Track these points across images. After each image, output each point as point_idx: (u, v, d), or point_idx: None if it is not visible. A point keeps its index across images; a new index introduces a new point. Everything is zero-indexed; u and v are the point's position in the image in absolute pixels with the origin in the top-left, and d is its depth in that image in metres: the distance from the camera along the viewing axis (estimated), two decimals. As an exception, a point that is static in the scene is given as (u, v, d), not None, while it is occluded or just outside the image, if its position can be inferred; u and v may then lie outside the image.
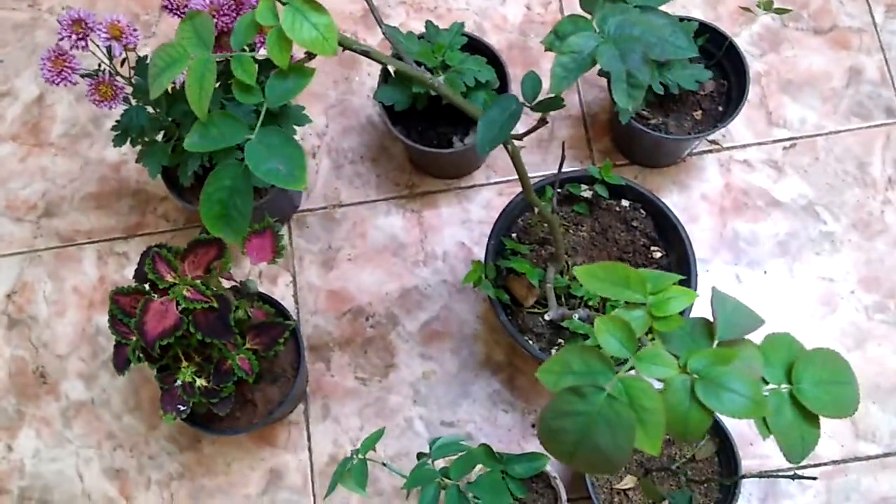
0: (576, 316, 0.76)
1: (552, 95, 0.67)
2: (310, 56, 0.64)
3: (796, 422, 0.46)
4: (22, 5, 1.41)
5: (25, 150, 1.33)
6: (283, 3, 0.58)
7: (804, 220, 1.25)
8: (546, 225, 1.07)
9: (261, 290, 1.25)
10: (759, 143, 1.29)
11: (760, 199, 1.27)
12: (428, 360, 1.21)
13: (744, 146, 1.29)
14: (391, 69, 0.67)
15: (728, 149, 1.29)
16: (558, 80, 0.58)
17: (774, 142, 1.29)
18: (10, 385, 1.22)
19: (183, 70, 0.60)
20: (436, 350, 1.22)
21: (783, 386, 0.48)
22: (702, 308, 1.17)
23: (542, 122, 0.71)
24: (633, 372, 0.43)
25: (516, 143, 0.76)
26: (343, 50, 0.64)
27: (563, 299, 1.03)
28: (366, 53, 0.66)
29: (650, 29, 0.57)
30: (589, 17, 0.65)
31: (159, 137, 1.09)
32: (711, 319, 0.50)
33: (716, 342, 0.47)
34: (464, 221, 1.28)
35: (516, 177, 1.29)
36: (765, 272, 1.23)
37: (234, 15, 0.93)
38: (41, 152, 1.33)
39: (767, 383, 0.48)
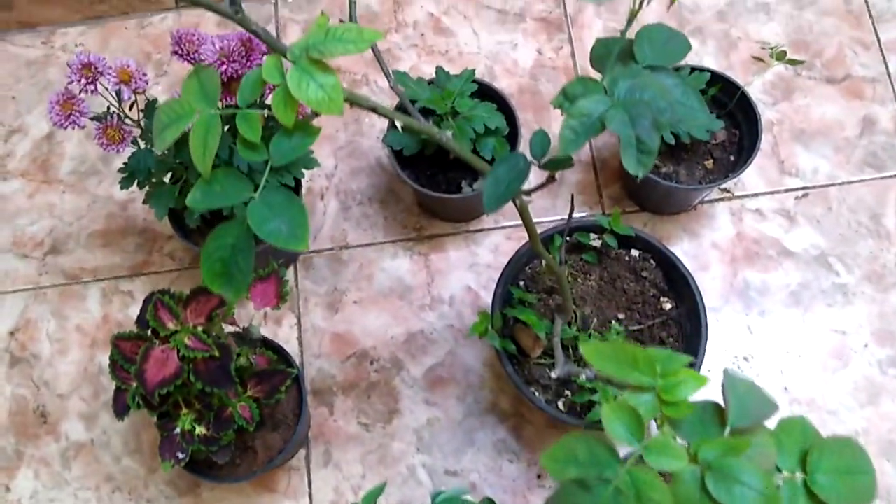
0: (583, 375, 0.74)
1: (562, 155, 0.66)
2: (316, 113, 0.63)
3: (810, 513, 0.45)
4: (35, 42, 1.42)
5: (34, 187, 1.33)
6: (291, 61, 0.57)
7: (816, 271, 1.23)
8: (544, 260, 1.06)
9: (265, 331, 1.24)
10: (772, 192, 1.28)
11: (772, 248, 1.25)
12: (432, 407, 1.19)
13: (755, 195, 1.28)
14: (399, 124, 0.67)
15: (739, 197, 1.28)
16: (567, 143, 0.57)
17: (787, 191, 1.28)
18: (10, 424, 1.20)
19: (188, 125, 0.59)
20: (440, 396, 1.20)
21: (797, 474, 0.46)
22: (711, 361, 1.15)
23: (551, 179, 0.70)
24: (641, 460, 0.42)
25: (524, 197, 0.75)
26: (351, 105, 0.64)
27: (569, 350, 1.01)
28: (373, 109, 0.66)
29: (661, 93, 0.56)
30: (599, 77, 0.64)
31: (166, 179, 1.08)
32: (723, 403, 0.49)
33: (728, 429, 0.46)
34: (471, 265, 1.27)
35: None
36: (776, 323, 1.21)
37: (244, 61, 0.93)
38: (49, 189, 1.33)
39: (781, 471, 0.46)
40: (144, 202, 1.09)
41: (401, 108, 1.18)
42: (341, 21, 0.71)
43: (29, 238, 1.30)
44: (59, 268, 1.28)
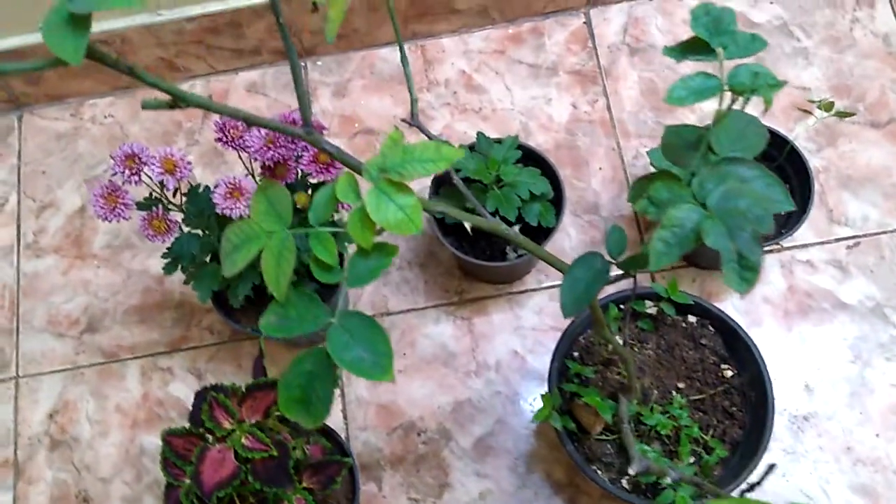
0: (668, 478, 0.70)
1: (642, 253, 0.63)
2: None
3: None
4: (64, 115, 1.41)
5: (68, 263, 1.31)
6: (368, 180, 0.55)
7: (873, 324, 1.20)
8: (610, 345, 1.03)
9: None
10: (822, 243, 1.25)
11: (826, 301, 1.22)
12: (484, 479, 1.16)
13: (805, 246, 1.25)
14: (468, 226, 0.64)
15: (789, 248, 1.25)
16: (659, 257, 0.54)
17: (837, 240, 1.25)
18: (52, 511, 1.17)
19: (259, 248, 0.57)
20: (491, 467, 1.17)
21: None
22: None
23: (628, 276, 0.67)
24: None
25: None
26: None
27: (632, 425, 0.98)
28: (441, 214, 0.63)
29: (757, 200, 0.54)
30: (677, 171, 0.61)
31: (207, 259, 1.06)
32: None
33: None
34: (516, 328, 1.24)
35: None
36: (834, 379, 1.17)
37: (290, 145, 0.91)
38: (83, 265, 1.31)
39: None
40: (185, 283, 1.07)
41: (441, 180, 1.16)
42: (405, 123, 0.69)
43: (64, 316, 1.28)
44: (96, 346, 1.26)
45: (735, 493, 0.86)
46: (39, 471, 1.20)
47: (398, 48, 0.66)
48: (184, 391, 1.23)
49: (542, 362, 1.22)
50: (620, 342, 0.89)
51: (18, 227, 1.34)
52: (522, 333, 1.24)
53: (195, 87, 1.41)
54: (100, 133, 1.39)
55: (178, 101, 0.50)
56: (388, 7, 0.67)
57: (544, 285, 1.26)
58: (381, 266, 0.56)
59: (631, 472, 0.75)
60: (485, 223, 0.67)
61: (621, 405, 0.87)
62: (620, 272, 0.69)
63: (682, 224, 0.54)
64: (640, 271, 0.66)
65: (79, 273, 1.30)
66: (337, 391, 1.22)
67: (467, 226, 0.63)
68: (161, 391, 1.23)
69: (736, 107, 0.58)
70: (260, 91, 1.41)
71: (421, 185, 1.32)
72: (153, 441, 1.20)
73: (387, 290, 1.27)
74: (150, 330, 1.26)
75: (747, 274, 0.51)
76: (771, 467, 0.66)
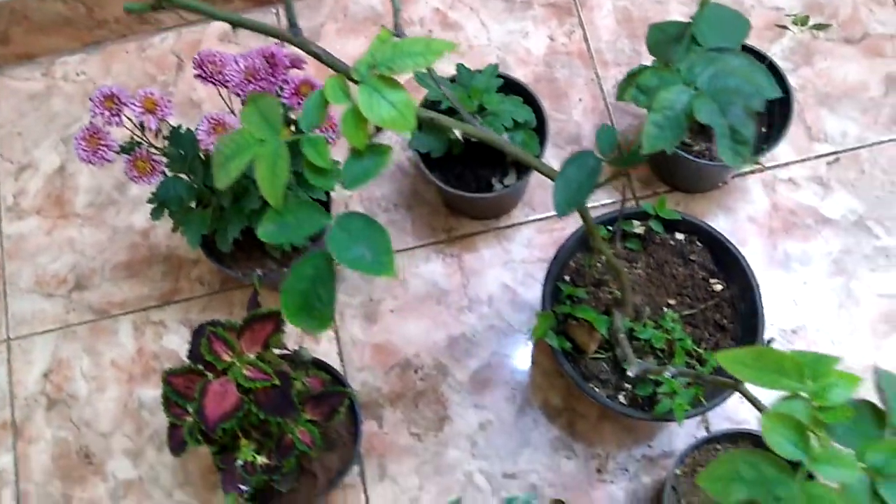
0: (667, 373, 0.72)
1: (634, 149, 0.64)
2: (378, 129, 0.60)
3: None
4: (35, 74, 1.38)
5: (51, 223, 1.30)
6: (355, 81, 0.55)
7: (857, 236, 1.22)
8: (600, 265, 1.04)
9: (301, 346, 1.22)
10: (802, 160, 1.26)
11: (809, 217, 1.23)
12: (483, 410, 1.17)
13: (786, 164, 1.26)
14: (458, 134, 0.64)
15: (770, 168, 1.26)
16: (652, 140, 0.55)
17: (817, 157, 1.26)
18: (55, 468, 1.17)
19: (251, 157, 0.57)
20: (490, 399, 1.18)
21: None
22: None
23: (623, 174, 0.68)
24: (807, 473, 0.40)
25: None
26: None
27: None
28: (431, 120, 0.63)
29: (747, 78, 0.54)
30: (666, 65, 0.62)
31: (193, 204, 1.06)
32: (879, 403, 0.47)
33: (888, 430, 0.44)
34: (506, 262, 1.25)
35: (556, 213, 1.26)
36: (821, 293, 1.19)
37: (270, 78, 0.90)
38: (67, 224, 1.30)
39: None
40: (174, 230, 1.07)
41: (428, 106, 1.16)
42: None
43: (52, 276, 1.27)
44: (86, 304, 1.25)
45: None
46: (39, 430, 1.19)
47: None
48: (178, 343, 1.23)
49: (533, 294, 1.23)
50: (623, 267, 0.90)
51: (-3, 190, 1.32)
52: (512, 267, 1.25)
53: (167, 40, 1.39)
54: (73, 90, 1.37)
55: (162, 2, 0.49)
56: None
57: (531, 218, 1.27)
58: (378, 165, 0.56)
59: (630, 374, 0.77)
60: (476, 130, 0.67)
61: (615, 318, 0.88)
62: (611, 174, 0.69)
63: (672, 105, 0.54)
64: (631, 168, 0.67)
65: (63, 232, 1.29)
66: (331, 334, 1.23)
67: (457, 133, 0.63)
68: (155, 344, 1.23)
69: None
70: (232, 40, 1.39)
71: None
72: (151, 394, 1.20)
73: (375, 232, 1.27)
74: (139, 285, 1.26)
75: (740, 148, 0.52)
76: (769, 342, 0.67)
